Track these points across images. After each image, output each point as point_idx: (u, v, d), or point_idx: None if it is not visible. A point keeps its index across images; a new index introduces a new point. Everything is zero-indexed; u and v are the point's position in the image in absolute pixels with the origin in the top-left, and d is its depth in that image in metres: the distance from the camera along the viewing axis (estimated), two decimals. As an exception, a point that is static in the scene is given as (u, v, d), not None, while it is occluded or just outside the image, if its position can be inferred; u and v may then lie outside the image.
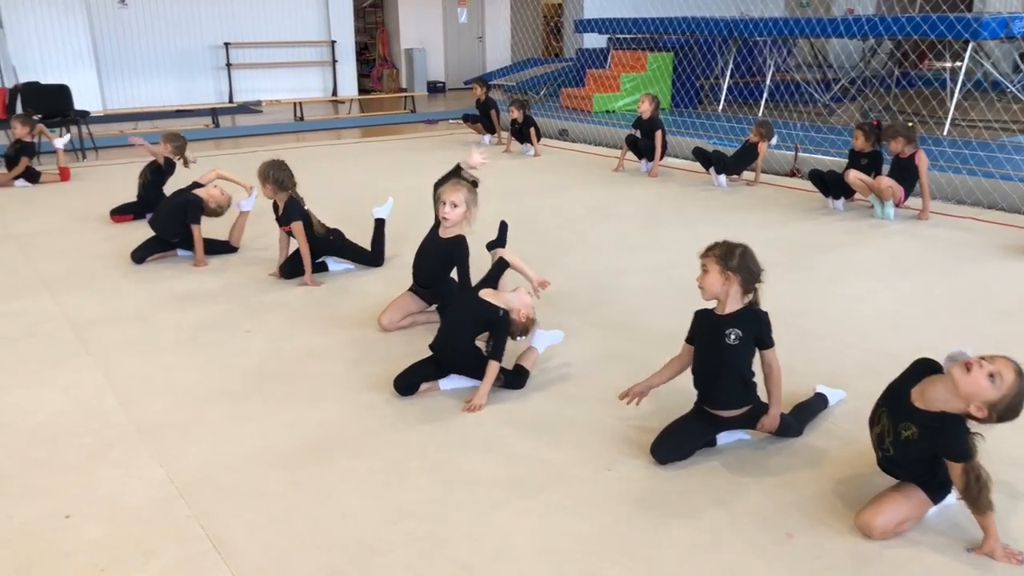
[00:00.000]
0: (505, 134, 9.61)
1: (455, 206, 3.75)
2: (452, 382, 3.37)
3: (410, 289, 4.07)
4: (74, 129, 9.27)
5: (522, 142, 9.24)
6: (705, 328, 2.78)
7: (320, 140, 10.89)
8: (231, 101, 14.81)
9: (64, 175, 7.78)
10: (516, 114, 9.00)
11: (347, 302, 4.42)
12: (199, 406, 3.23)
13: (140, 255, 5.14)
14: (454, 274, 3.87)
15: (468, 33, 18.75)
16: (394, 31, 17.99)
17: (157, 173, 6.14)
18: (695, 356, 2.82)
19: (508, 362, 3.37)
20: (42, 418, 3.13)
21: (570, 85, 12.95)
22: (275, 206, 4.75)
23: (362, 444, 2.93)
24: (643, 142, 7.93)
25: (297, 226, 4.61)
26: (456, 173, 4.07)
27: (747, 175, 7.50)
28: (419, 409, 3.21)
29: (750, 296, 2.74)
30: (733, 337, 2.68)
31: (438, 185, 4.02)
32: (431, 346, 3.39)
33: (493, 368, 3.22)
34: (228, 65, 14.85)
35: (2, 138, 9.58)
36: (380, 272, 4.93)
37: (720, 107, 11.24)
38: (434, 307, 4.06)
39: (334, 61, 15.96)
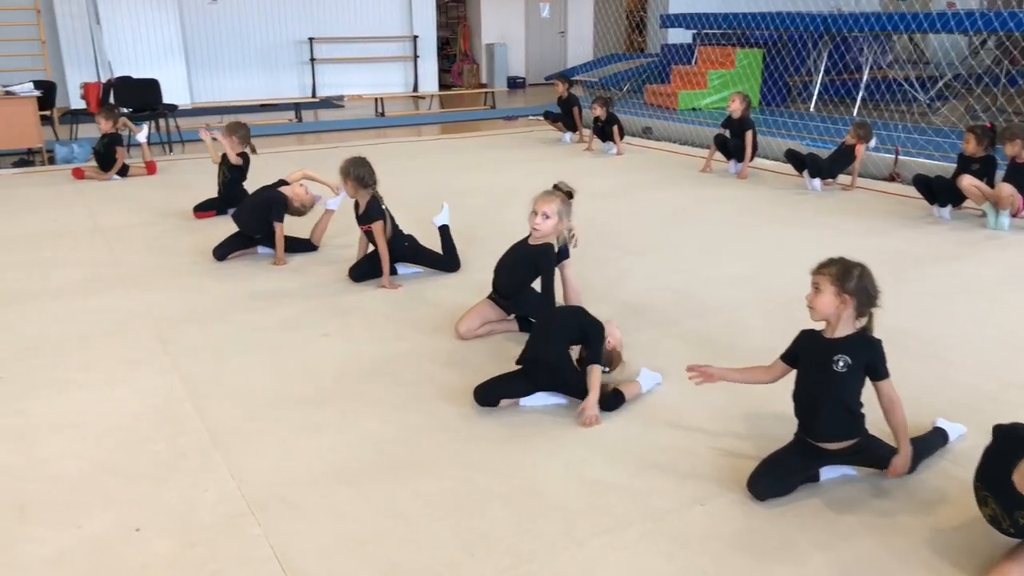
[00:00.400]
0: (587, 132, 9.40)
1: (547, 217, 3.59)
2: (535, 399, 3.21)
3: (489, 297, 3.92)
4: (152, 123, 9.45)
5: (604, 140, 9.01)
6: (810, 351, 2.55)
7: (400, 136, 10.87)
8: (314, 96, 14.97)
9: (150, 168, 7.91)
10: (599, 111, 8.78)
11: (423, 307, 4.30)
12: (274, 414, 3.15)
13: (222, 252, 5.13)
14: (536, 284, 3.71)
15: (550, 28, 18.57)
16: (476, 26, 17.93)
17: (234, 169, 6.16)
18: (797, 381, 2.59)
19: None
20: (117, 421, 3.09)
21: (654, 81, 12.64)
22: (356, 205, 4.67)
23: (438, 462, 2.80)
24: (732, 142, 7.62)
25: (377, 226, 4.52)
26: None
27: (842, 179, 7.13)
28: (497, 425, 3.06)
29: (863, 320, 2.50)
30: (841, 364, 2.44)
31: None
32: (519, 360, 3.25)
33: (596, 372, 3.08)
34: (312, 60, 15.01)
35: (93, 130, 9.85)
36: (456, 277, 4.80)
37: (812, 106, 10.79)
38: (513, 317, 3.91)
39: (416, 56, 15.98)
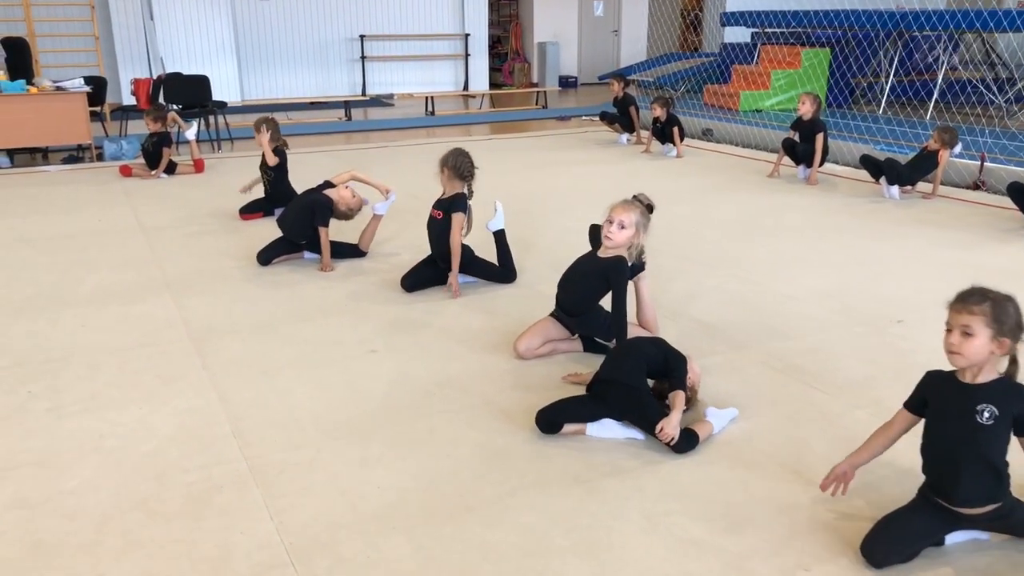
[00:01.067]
0: (645, 133, 9.02)
1: (623, 227, 3.27)
2: (604, 429, 2.88)
3: (552, 314, 3.60)
4: (201, 120, 9.30)
5: (664, 142, 8.63)
6: (944, 398, 2.17)
7: (450, 136, 10.58)
8: (364, 94, 14.80)
9: (198, 166, 7.74)
10: (659, 112, 8.40)
11: (478, 322, 3.99)
12: (318, 443, 2.86)
13: (266, 256, 4.89)
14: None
15: (603, 27, 18.17)
16: (528, 24, 17.61)
17: (273, 168, 5.92)
18: (928, 434, 2.21)
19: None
20: (151, 446, 2.83)
21: (713, 81, 12.20)
22: (442, 196, 4.40)
23: (498, 506, 2.48)
24: (801, 146, 7.19)
25: (457, 218, 4.23)
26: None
27: (922, 187, 6.66)
28: (564, 459, 2.73)
29: (1005, 360, 2.13)
30: (987, 415, 2.07)
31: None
32: (589, 386, 2.93)
33: (680, 396, 2.81)
34: (363, 58, 14.84)
35: (143, 127, 9.75)
36: (512, 289, 4.48)
37: (881, 108, 10.26)
38: (577, 336, 3.58)
39: (467, 55, 15.73)
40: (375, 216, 5.05)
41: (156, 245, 5.33)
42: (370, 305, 4.21)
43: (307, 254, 5.01)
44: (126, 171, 7.56)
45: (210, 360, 3.53)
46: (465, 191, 4.34)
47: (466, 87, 15.77)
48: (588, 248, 3.60)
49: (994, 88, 10.70)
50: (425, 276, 4.43)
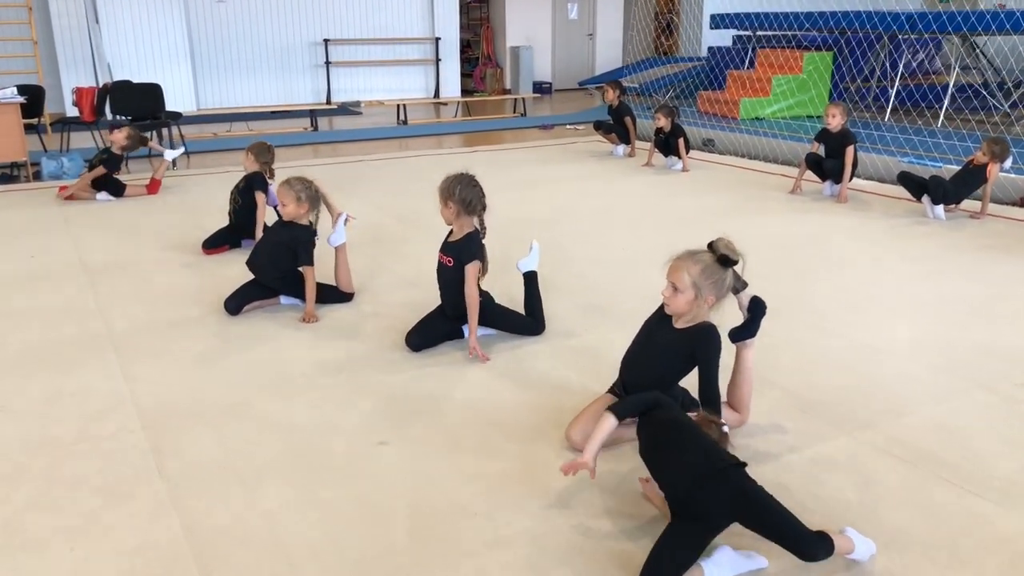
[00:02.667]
0: (645, 145, 8.30)
1: (676, 290, 2.50)
2: (724, 566, 2.10)
3: (613, 392, 2.82)
4: (152, 133, 8.39)
5: (667, 154, 7.91)
6: None
7: (425, 148, 9.75)
8: (329, 102, 13.90)
9: (152, 188, 6.82)
10: (663, 122, 7.68)
11: (510, 393, 3.18)
12: (322, 600, 2.04)
13: (236, 304, 4.03)
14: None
15: (577, 30, 17.48)
16: (499, 27, 16.85)
17: (248, 193, 5.06)
18: None
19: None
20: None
21: (705, 88, 11.55)
22: (449, 234, 3.62)
23: None
24: (830, 161, 6.50)
25: (472, 269, 3.44)
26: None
27: (967, 204, 6.03)
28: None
29: None
30: None
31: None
32: (669, 501, 2.17)
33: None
34: (327, 63, 13.94)
35: (88, 140, 8.78)
36: (541, 343, 3.69)
37: (887, 115, 9.67)
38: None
39: (437, 60, 14.91)
40: (337, 249, 4.20)
41: (100, 289, 4.43)
42: (370, 371, 3.38)
43: (284, 299, 4.17)
44: (65, 191, 6.61)
45: (168, 463, 2.68)
46: (477, 226, 3.55)
47: (437, 94, 14.95)
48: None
49: (999, 94, 10.20)
50: (435, 332, 3.63)
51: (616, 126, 8.56)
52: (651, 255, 5.05)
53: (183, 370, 3.38)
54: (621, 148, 8.62)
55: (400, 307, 4.07)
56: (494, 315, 3.66)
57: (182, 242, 5.30)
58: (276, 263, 4.02)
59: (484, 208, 3.52)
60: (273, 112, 12.32)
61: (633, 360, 2.71)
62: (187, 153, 8.82)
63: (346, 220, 4.18)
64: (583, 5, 17.33)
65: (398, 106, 12.24)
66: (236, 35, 13.29)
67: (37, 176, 7.64)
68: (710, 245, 2.61)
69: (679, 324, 2.60)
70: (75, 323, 3.92)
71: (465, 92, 15.88)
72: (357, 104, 14.03)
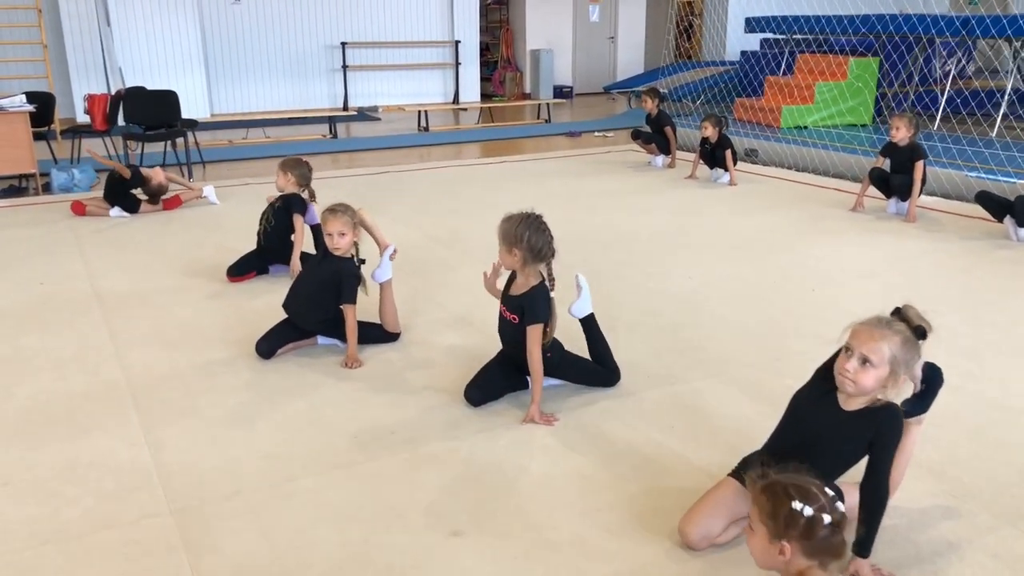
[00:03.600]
0: (689, 156, 7.85)
1: (867, 364, 2.04)
2: None
3: (733, 476, 2.36)
4: (167, 144, 7.97)
5: (712, 166, 7.46)
6: None
7: (447, 157, 9.33)
8: (346, 107, 13.47)
9: (170, 204, 6.39)
10: (710, 132, 7.22)
11: (590, 469, 2.72)
12: None
13: (269, 347, 3.59)
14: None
15: (599, 33, 17.02)
16: (519, 30, 16.41)
17: (284, 215, 4.62)
18: None
19: None
20: None
21: (739, 94, 11.08)
22: (510, 283, 3.16)
23: None
24: (897, 177, 6.04)
25: (535, 332, 3.00)
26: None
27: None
28: None
29: None
30: None
31: None
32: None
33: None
34: (344, 67, 13.51)
35: (99, 149, 8.36)
36: (616, 398, 3.23)
37: (936, 124, 9.19)
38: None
39: (457, 63, 14.47)
40: (382, 286, 3.76)
41: (116, 325, 4.00)
42: (427, 434, 2.94)
43: (321, 339, 3.73)
44: (79, 209, 6.20)
45: (204, 564, 2.24)
46: (544, 274, 3.09)
47: (456, 98, 14.52)
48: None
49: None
50: (498, 385, 3.18)
51: (656, 135, 8.10)
52: (724, 287, 4.59)
53: (214, 433, 2.94)
54: (660, 159, 8.17)
55: (453, 351, 3.64)
56: (564, 365, 3.22)
57: (204, 267, 4.87)
58: (322, 305, 3.57)
59: (553, 254, 3.07)
60: (290, 118, 11.91)
61: (789, 447, 2.21)
62: (202, 162, 8.40)
63: (393, 253, 3.74)
64: (605, 7, 16.88)
65: (419, 112, 11.81)
66: (251, 37, 12.88)
67: (46, 188, 7.23)
68: (898, 312, 2.14)
69: (852, 405, 2.13)
70: (90, 370, 3.49)
71: (483, 96, 15.44)
72: (375, 109, 13.62)
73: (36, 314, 4.15)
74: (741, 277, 4.68)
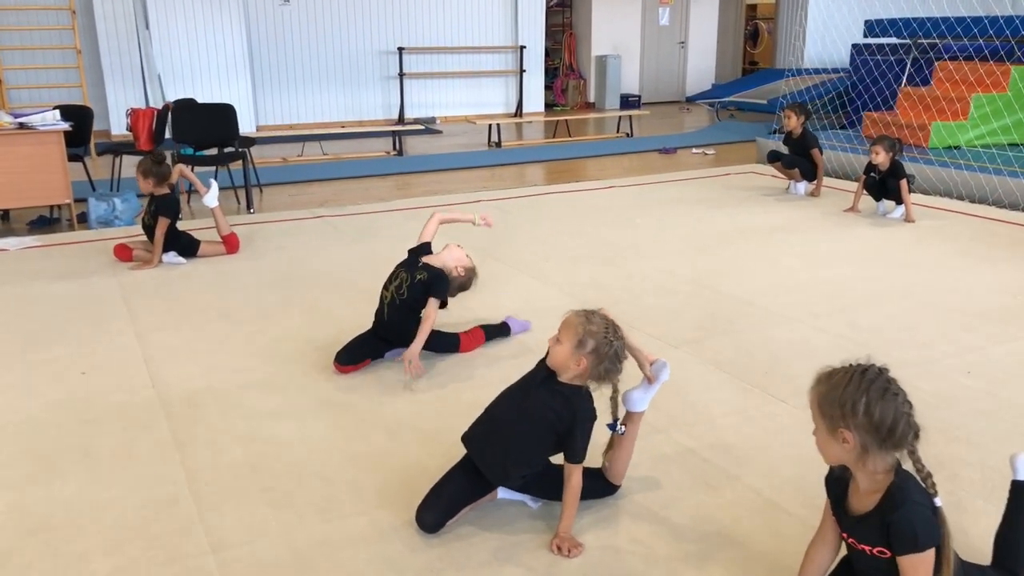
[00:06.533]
0: (851, 185, 6.55)
1: None
2: None
3: None
4: (226, 167, 6.78)
5: (878, 198, 6.16)
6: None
7: (533, 181, 8.09)
8: (401, 119, 12.28)
9: (230, 245, 5.18)
10: (882, 158, 5.92)
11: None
12: None
13: (434, 518, 2.33)
14: None
15: (668, 38, 15.75)
16: (584, 35, 15.17)
17: (421, 292, 3.34)
18: None
19: None
20: None
21: (853, 105, 9.76)
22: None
23: None
24: None
25: (922, 567, 1.71)
26: None
27: None
28: None
29: None
30: None
31: None
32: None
33: None
34: (400, 74, 12.32)
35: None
36: None
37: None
38: None
39: (521, 71, 13.24)
40: (631, 415, 2.49)
41: (191, 455, 2.76)
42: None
43: (503, 492, 2.48)
44: (123, 253, 5.00)
45: None
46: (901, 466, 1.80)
47: (520, 108, 13.29)
48: None
49: None
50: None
51: (800, 159, 6.81)
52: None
53: None
54: (803, 185, 6.88)
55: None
56: None
57: (299, 345, 3.63)
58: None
59: (917, 435, 1.78)
60: (349, 132, 10.73)
61: None
62: (259, 185, 7.21)
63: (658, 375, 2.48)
64: (675, 9, 15.60)
65: (489, 126, 10.59)
66: (300, 42, 11.73)
67: (82, 219, 6.06)
68: None
69: None
70: (165, 541, 2.25)
71: (547, 106, 14.21)
72: (432, 121, 12.44)
73: (75, 431, 2.92)
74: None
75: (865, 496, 1.72)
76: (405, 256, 3.49)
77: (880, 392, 1.66)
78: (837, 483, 1.81)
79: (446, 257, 3.38)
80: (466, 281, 3.42)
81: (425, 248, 3.48)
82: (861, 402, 1.66)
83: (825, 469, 1.85)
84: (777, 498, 2.47)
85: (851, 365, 1.71)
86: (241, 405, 3.10)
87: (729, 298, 4.24)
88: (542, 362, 2.36)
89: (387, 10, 12.17)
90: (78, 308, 4.18)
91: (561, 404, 2.25)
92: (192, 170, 5.38)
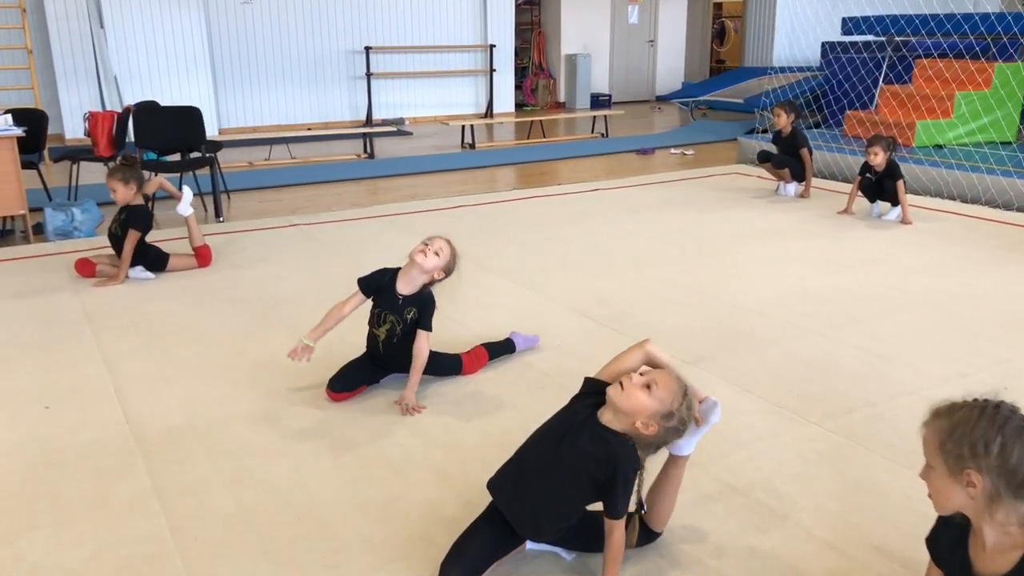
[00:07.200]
0: (839, 186, 6.40)
1: None
2: None
3: None
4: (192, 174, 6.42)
5: (873, 199, 6.01)
6: None
7: (509, 185, 7.84)
8: (369, 120, 11.95)
9: (202, 258, 4.84)
10: (879, 159, 5.77)
11: None
12: None
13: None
14: None
15: (638, 36, 15.60)
16: (553, 34, 14.95)
17: (425, 313, 3.04)
18: None
19: None
20: None
21: (832, 106, 9.66)
22: None
23: None
24: None
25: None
26: None
27: None
28: None
29: None
30: None
31: None
32: None
33: None
34: (368, 74, 11.98)
35: (100, 176, 6.82)
36: None
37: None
38: None
39: (491, 70, 12.98)
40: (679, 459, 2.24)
41: (171, 493, 2.45)
42: None
43: (531, 545, 2.22)
44: (86, 269, 4.63)
45: None
46: None
47: (490, 108, 13.03)
48: None
49: None
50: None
51: (790, 159, 6.64)
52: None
53: None
54: (792, 186, 6.72)
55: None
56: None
57: (283, 372, 3.33)
58: (564, 498, 2.06)
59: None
60: (317, 134, 10.37)
61: None
62: (226, 192, 6.85)
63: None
64: (644, 8, 15.45)
65: (463, 127, 10.31)
66: (263, 41, 11.34)
67: (38, 231, 5.67)
68: None
69: None
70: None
71: (516, 106, 13.96)
72: (401, 122, 12.13)
73: (41, 476, 2.60)
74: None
75: (997, 554, 1.49)
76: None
77: (1017, 432, 1.43)
78: (951, 542, 1.58)
79: (424, 269, 3.02)
80: (450, 271, 3.10)
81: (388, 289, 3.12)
82: (996, 442, 1.43)
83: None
84: (832, 539, 2.24)
85: (976, 400, 1.49)
86: (227, 442, 2.80)
87: (741, 310, 4.02)
88: (579, 397, 2.11)
89: (353, 9, 11.83)
90: (38, 331, 3.83)
91: (601, 449, 1.98)
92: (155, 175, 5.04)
